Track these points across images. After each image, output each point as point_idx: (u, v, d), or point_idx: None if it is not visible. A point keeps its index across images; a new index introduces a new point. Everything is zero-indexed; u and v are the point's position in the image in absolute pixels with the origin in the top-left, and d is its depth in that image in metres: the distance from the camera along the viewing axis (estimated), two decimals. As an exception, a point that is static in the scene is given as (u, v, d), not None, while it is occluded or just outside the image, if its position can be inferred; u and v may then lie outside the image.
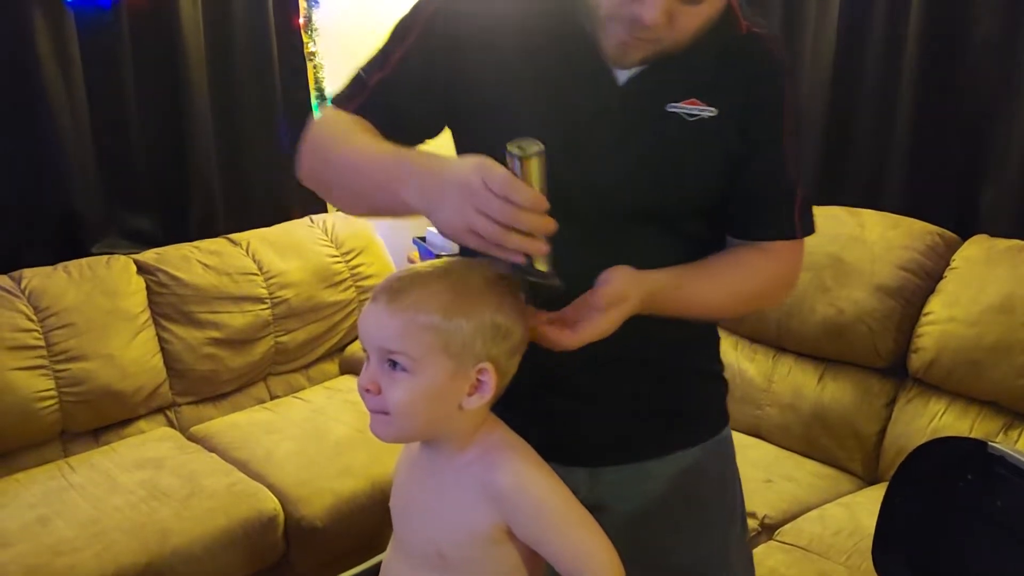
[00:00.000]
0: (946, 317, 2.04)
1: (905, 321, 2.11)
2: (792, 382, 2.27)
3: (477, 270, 0.84)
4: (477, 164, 0.77)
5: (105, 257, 2.35)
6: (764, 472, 2.10)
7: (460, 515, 0.86)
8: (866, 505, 1.92)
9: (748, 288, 1.02)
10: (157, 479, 2.05)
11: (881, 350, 2.13)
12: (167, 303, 2.37)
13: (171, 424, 2.38)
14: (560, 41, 0.94)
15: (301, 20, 2.72)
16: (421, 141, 1.01)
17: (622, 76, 0.94)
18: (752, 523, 1.93)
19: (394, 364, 0.81)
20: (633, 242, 0.96)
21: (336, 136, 0.97)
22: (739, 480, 1.17)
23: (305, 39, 2.73)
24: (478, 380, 0.82)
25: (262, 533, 2.00)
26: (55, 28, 2.24)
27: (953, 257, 2.13)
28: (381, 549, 1.04)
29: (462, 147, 1.02)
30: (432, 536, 0.88)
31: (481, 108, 0.96)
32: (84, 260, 2.32)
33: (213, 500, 2.00)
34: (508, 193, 0.75)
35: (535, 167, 0.77)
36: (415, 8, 1.00)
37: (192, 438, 2.31)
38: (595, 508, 0.91)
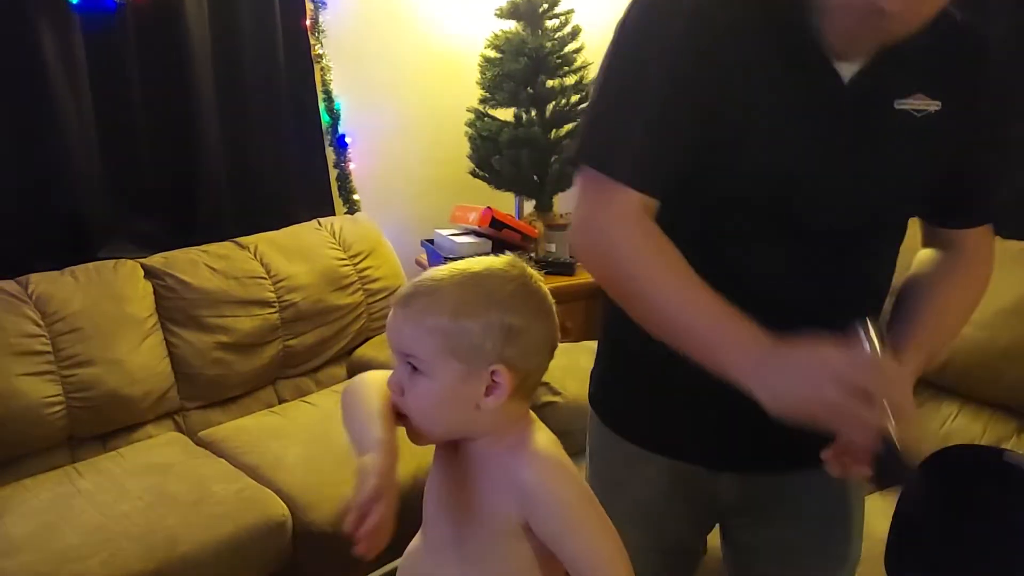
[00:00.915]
0: (959, 320, 2.02)
1: (917, 324, 2.10)
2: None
3: (492, 271, 0.85)
4: (837, 346, 0.80)
5: (112, 262, 2.35)
6: (775, 477, 2.09)
7: (482, 505, 0.87)
8: (879, 511, 1.90)
9: (973, 298, 1.05)
10: (165, 484, 2.04)
11: (893, 353, 2.12)
12: (175, 307, 2.36)
13: (179, 429, 2.38)
14: (785, 42, 0.90)
15: (308, 22, 2.72)
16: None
17: (845, 74, 0.91)
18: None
19: (413, 367, 0.84)
20: (863, 247, 0.96)
21: (648, 257, 0.91)
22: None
23: (312, 41, 2.73)
24: (493, 381, 0.83)
25: (271, 539, 1.99)
26: (61, 32, 2.24)
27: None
28: (390, 555, 1.04)
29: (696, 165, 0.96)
30: (453, 525, 0.89)
31: (718, 124, 0.91)
32: (91, 265, 2.31)
33: (222, 506, 1.99)
34: (873, 365, 0.78)
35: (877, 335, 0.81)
36: (649, 23, 0.92)
37: (200, 443, 2.30)
38: (743, 512, 0.95)
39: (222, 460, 2.19)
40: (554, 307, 0.87)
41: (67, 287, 2.23)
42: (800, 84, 0.91)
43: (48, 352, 2.15)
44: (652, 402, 1.06)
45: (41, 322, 2.16)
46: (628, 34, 0.93)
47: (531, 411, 0.90)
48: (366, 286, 2.68)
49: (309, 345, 2.58)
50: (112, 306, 2.26)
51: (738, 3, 0.91)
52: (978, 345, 1.97)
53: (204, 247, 2.48)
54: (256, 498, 2.03)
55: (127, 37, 2.36)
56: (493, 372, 0.83)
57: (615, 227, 0.92)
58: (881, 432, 0.79)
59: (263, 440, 2.27)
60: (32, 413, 2.10)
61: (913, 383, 0.91)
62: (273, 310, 2.49)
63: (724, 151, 0.91)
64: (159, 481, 2.06)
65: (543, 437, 0.89)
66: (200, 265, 2.42)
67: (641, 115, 0.91)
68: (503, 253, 0.89)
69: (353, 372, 2.67)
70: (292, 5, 2.67)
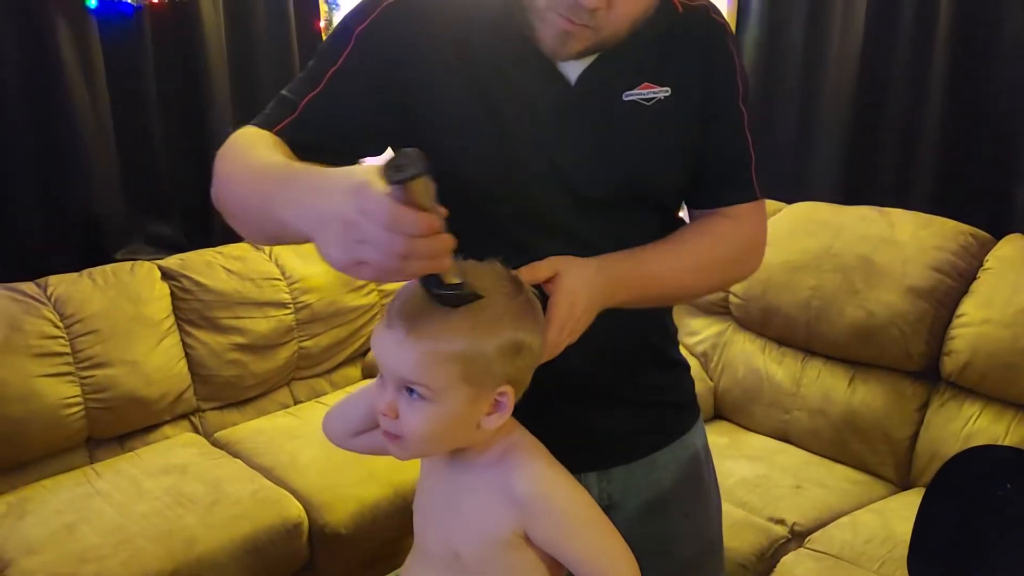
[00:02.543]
0: (980, 319, 2.00)
1: (937, 323, 2.07)
2: (821, 386, 2.23)
3: (494, 280, 0.80)
4: (352, 191, 0.67)
5: (129, 263, 2.36)
6: (793, 478, 2.07)
7: (478, 518, 0.85)
8: (899, 511, 1.89)
9: (718, 256, 1.03)
10: (182, 485, 2.05)
11: (913, 353, 2.09)
12: (191, 309, 2.37)
13: (196, 430, 2.39)
14: (505, 47, 0.93)
15: (322, 24, 2.72)
16: (355, 161, 0.94)
17: (573, 74, 0.94)
18: (781, 530, 1.90)
19: (411, 391, 0.79)
20: (618, 233, 0.97)
21: (237, 152, 0.90)
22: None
23: (326, 43, 2.73)
24: (497, 401, 0.81)
25: (286, 540, 2.00)
26: (79, 35, 2.26)
27: (987, 257, 2.09)
28: (405, 555, 1.03)
29: None
30: (450, 539, 0.87)
31: (427, 123, 0.94)
32: (108, 267, 2.33)
33: (238, 506, 2.00)
34: (392, 226, 0.65)
35: (419, 187, 0.66)
36: (343, 26, 0.96)
37: (216, 444, 2.31)
38: (607, 508, 0.91)
39: (238, 461, 2.20)
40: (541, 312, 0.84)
41: (85, 289, 2.24)
42: (528, 85, 0.93)
43: (67, 353, 2.17)
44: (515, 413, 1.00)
45: (60, 324, 2.17)
46: (342, 26, 0.97)
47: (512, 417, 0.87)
48: (380, 287, 2.68)
49: (324, 346, 2.58)
50: (129, 307, 2.27)
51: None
52: (1000, 345, 1.95)
53: (220, 249, 2.49)
54: (272, 499, 2.04)
55: (144, 40, 2.37)
56: (501, 393, 0.80)
57: (224, 146, 0.92)
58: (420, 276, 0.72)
59: (278, 441, 2.28)
60: (51, 414, 2.12)
61: (587, 287, 0.87)
62: (288, 311, 2.50)
63: (450, 146, 0.92)
64: (176, 482, 2.07)
65: (530, 443, 0.87)
66: (216, 267, 2.43)
67: (310, 85, 0.95)
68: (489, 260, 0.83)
69: (367, 373, 2.67)
70: (306, 7, 2.68)
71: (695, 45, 0.98)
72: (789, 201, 2.45)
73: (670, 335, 1.12)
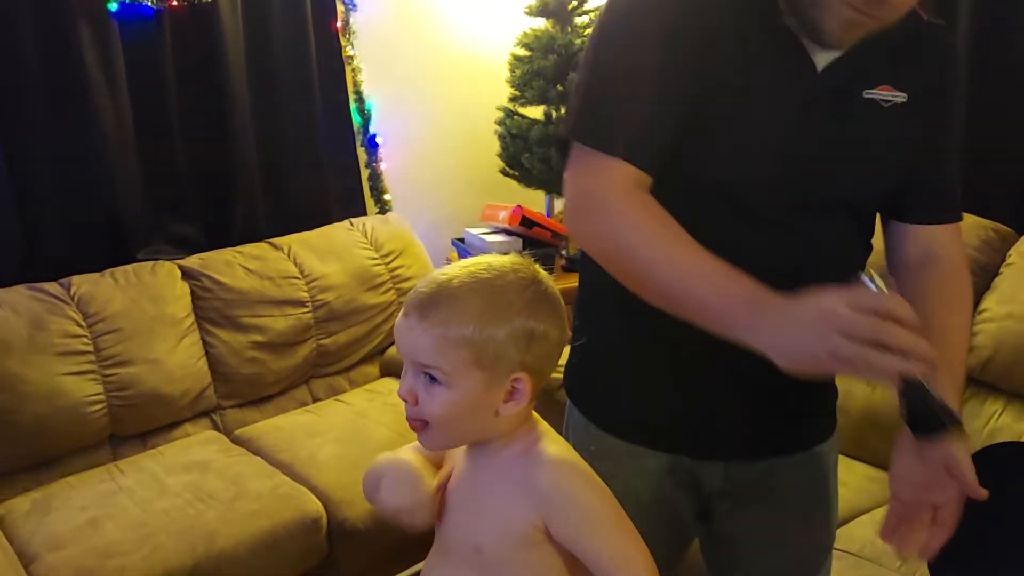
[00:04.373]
0: (1003, 314, 1.98)
1: (959, 319, 2.05)
2: (841, 382, 2.21)
3: (508, 276, 0.83)
4: (840, 294, 0.78)
5: (150, 263, 2.39)
6: (813, 475, 2.06)
7: (498, 512, 0.86)
8: (920, 509, 1.87)
9: (968, 309, 1.08)
10: (203, 482, 2.08)
11: (934, 349, 2.07)
12: (211, 307, 2.40)
13: (216, 427, 2.41)
14: (763, 33, 0.93)
15: (339, 24, 2.74)
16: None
17: (820, 64, 0.94)
18: (801, 527, 1.89)
19: (431, 377, 0.81)
20: (826, 229, 0.98)
21: (644, 230, 0.91)
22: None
23: (343, 42, 2.75)
24: (513, 387, 0.82)
25: (306, 535, 2.01)
26: (100, 38, 2.29)
27: (1009, 252, 2.06)
28: (423, 552, 1.04)
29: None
30: (470, 533, 0.88)
31: (710, 104, 0.93)
32: (130, 266, 2.36)
33: (258, 502, 2.02)
34: (881, 309, 0.75)
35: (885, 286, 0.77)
36: (625, 21, 0.94)
37: (237, 441, 2.33)
38: (727, 497, 0.96)
39: (258, 458, 2.22)
40: (563, 306, 0.86)
41: (107, 288, 2.27)
42: (778, 70, 0.94)
43: (90, 352, 2.20)
44: (634, 392, 1.06)
45: (83, 323, 2.20)
46: (619, 9, 0.95)
47: (534, 412, 0.89)
48: (398, 285, 2.69)
49: (342, 344, 2.60)
50: (151, 306, 2.30)
51: None
52: (1023, 341, 1.92)
53: (239, 248, 2.52)
54: (291, 495, 2.05)
55: (164, 42, 2.40)
56: (515, 379, 0.81)
57: (613, 199, 0.91)
58: (901, 373, 0.75)
59: (298, 438, 2.29)
60: (75, 412, 2.15)
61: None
62: (307, 310, 2.51)
63: (707, 133, 0.93)
64: (197, 478, 2.09)
65: (553, 440, 0.88)
66: (235, 266, 2.46)
67: (638, 90, 0.91)
68: (511, 252, 0.87)
69: (385, 371, 2.69)
70: (323, 8, 2.69)
71: (933, 59, 0.99)
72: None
73: None
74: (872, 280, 0.76)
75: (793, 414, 1.08)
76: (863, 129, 0.96)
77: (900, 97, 0.96)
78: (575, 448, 1.03)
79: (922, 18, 0.98)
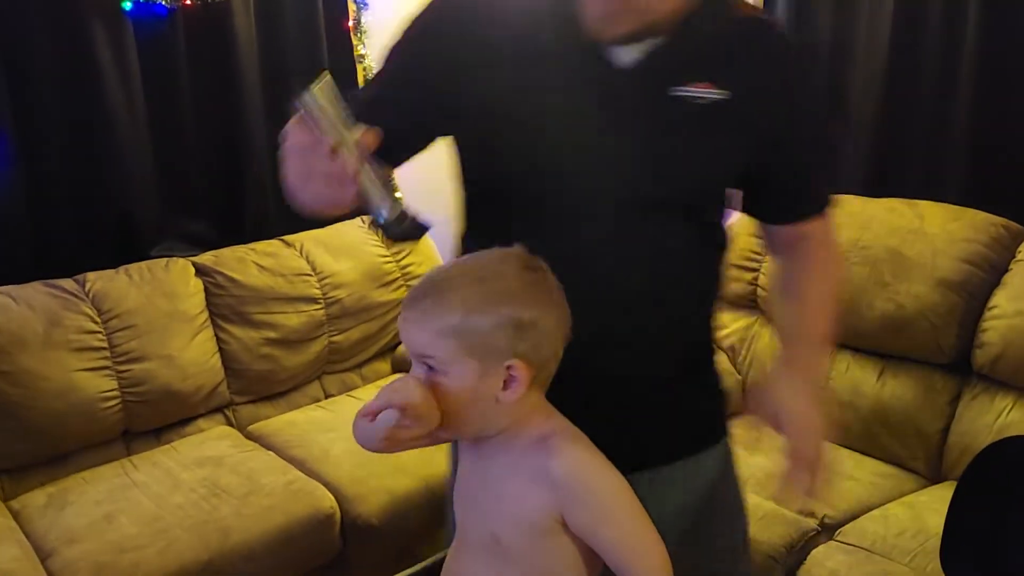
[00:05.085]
0: (1013, 311, 1.98)
1: (968, 316, 2.05)
2: (851, 379, 2.22)
3: (497, 265, 0.84)
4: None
5: (164, 260, 2.41)
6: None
7: (516, 503, 0.86)
8: (931, 504, 1.87)
9: (835, 289, 1.09)
10: (217, 477, 2.09)
11: (944, 346, 2.07)
12: (224, 304, 2.41)
13: (229, 423, 2.43)
14: (558, 32, 0.93)
15: (351, 23, 2.75)
16: (418, 148, 1.02)
17: (622, 62, 0.93)
18: (811, 523, 1.90)
19: (430, 367, 0.84)
20: (652, 230, 0.96)
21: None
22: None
23: (355, 42, 2.76)
24: (509, 375, 0.83)
25: (319, 531, 2.03)
26: (115, 37, 2.30)
27: (1019, 248, 2.06)
28: (436, 547, 1.05)
29: (466, 150, 1.02)
30: (489, 523, 0.89)
31: (480, 105, 0.95)
32: (144, 263, 2.37)
33: (271, 498, 2.03)
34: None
35: (321, 98, 0.77)
36: (404, 25, 1.01)
37: (250, 436, 2.35)
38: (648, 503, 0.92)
39: (271, 453, 2.23)
40: (563, 294, 0.86)
41: (122, 285, 2.29)
42: (572, 71, 0.93)
43: (104, 348, 2.21)
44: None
45: (97, 319, 2.22)
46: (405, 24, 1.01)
47: (546, 400, 0.89)
48: (409, 282, 2.71)
49: (354, 341, 2.61)
50: (165, 303, 2.31)
51: None
52: (1033, 337, 1.93)
53: (252, 245, 2.53)
54: (305, 491, 2.07)
55: (177, 41, 2.42)
56: (509, 367, 0.82)
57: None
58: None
59: (311, 434, 2.31)
60: (89, 407, 2.17)
61: (810, 405, 0.97)
62: (319, 306, 2.53)
63: (494, 136, 0.93)
64: (211, 474, 2.11)
65: (567, 428, 0.89)
66: (248, 263, 2.47)
67: (374, 79, 1.02)
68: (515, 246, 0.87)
69: (397, 367, 2.70)
70: (335, 7, 2.71)
71: (763, 57, 0.97)
72: (817, 194, 2.44)
73: (711, 352, 1.11)
74: (300, 106, 0.77)
75: (658, 425, 1.04)
76: (677, 127, 0.93)
77: (719, 94, 0.92)
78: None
79: (737, 12, 0.97)
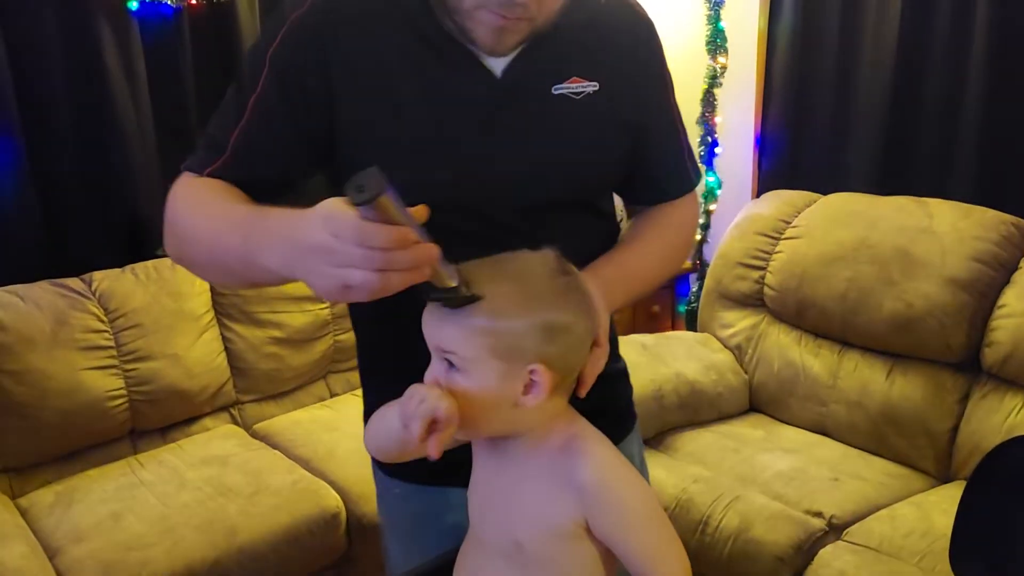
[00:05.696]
0: (1022, 310, 1.97)
1: (978, 314, 2.04)
2: (859, 378, 2.21)
3: (532, 268, 0.83)
4: (322, 220, 0.69)
5: (170, 259, 2.40)
6: (831, 470, 2.05)
7: (539, 508, 0.85)
8: (939, 504, 1.86)
9: (680, 243, 1.08)
10: (223, 476, 2.10)
11: (953, 345, 2.06)
12: (230, 303, 2.42)
13: (235, 422, 2.43)
14: (425, 49, 0.91)
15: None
16: (297, 186, 0.96)
17: (498, 68, 0.92)
18: (819, 523, 1.89)
19: (450, 363, 0.82)
20: (558, 229, 0.93)
21: (192, 208, 0.91)
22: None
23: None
24: (531, 380, 0.81)
25: (325, 530, 2.03)
26: (121, 37, 2.31)
27: (1029, 247, 2.05)
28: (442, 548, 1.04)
29: (345, 173, 0.97)
30: (511, 528, 0.88)
31: (357, 130, 0.91)
32: (151, 262, 2.38)
33: (278, 497, 2.03)
34: (365, 242, 0.66)
35: (385, 204, 0.67)
36: (256, 49, 0.94)
37: (256, 435, 2.36)
38: None
39: (277, 452, 2.24)
40: (593, 301, 0.85)
41: (128, 284, 2.30)
42: (453, 84, 0.91)
43: (111, 347, 2.22)
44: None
45: (104, 318, 2.23)
46: (252, 52, 0.96)
47: (571, 407, 0.88)
48: (415, 282, 2.71)
49: (360, 340, 2.61)
50: (171, 302, 2.32)
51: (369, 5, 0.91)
52: (1043, 336, 1.91)
53: (258, 245, 2.53)
54: (311, 490, 2.07)
55: (183, 41, 2.42)
56: (532, 371, 0.81)
57: (171, 197, 0.92)
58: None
59: (316, 433, 2.31)
60: (96, 406, 2.17)
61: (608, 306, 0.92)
62: (324, 306, 2.53)
63: (379, 162, 0.90)
64: (217, 473, 2.11)
65: (594, 435, 0.88)
66: (254, 262, 2.47)
67: (239, 124, 0.93)
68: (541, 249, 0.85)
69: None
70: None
71: (622, 39, 0.98)
72: (824, 192, 2.43)
73: (614, 340, 1.08)
74: (358, 201, 0.65)
75: (596, 416, 1.00)
76: (562, 125, 0.93)
77: (592, 86, 0.94)
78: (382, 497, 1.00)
79: (617, 3, 0.97)
